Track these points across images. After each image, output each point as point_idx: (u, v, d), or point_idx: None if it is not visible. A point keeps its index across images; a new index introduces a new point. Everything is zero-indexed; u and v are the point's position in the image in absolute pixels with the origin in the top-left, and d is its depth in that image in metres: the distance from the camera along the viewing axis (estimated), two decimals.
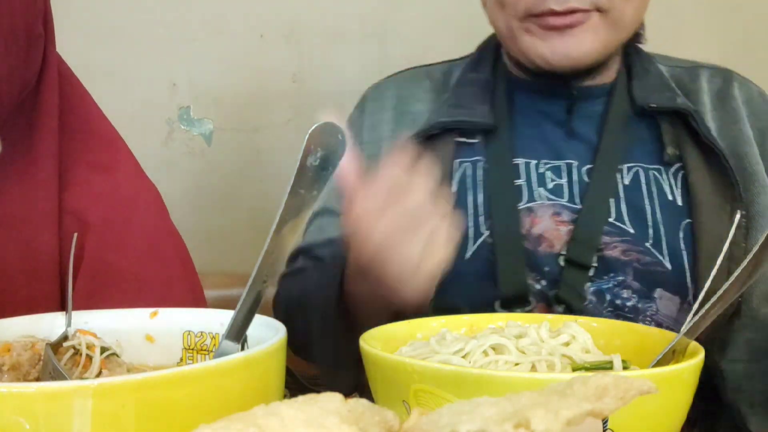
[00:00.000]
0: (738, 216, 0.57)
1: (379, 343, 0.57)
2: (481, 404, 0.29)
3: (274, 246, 0.45)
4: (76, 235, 0.65)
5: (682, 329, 0.52)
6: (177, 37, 1.45)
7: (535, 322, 0.61)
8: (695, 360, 0.48)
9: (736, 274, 0.48)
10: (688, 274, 0.80)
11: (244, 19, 1.46)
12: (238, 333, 0.49)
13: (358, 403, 0.31)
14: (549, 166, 0.86)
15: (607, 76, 0.90)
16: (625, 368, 0.52)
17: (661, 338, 0.56)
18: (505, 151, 0.87)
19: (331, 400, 0.30)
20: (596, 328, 0.60)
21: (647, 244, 0.81)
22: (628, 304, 0.80)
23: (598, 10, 0.80)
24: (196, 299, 0.81)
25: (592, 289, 0.81)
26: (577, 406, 0.26)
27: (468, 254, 0.84)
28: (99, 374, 0.52)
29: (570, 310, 0.79)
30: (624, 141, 0.86)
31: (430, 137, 0.88)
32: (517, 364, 0.52)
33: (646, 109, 0.85)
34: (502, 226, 0.84)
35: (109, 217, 0.76)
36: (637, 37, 0.91)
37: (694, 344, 0.52)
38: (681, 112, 0.84)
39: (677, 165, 0.84)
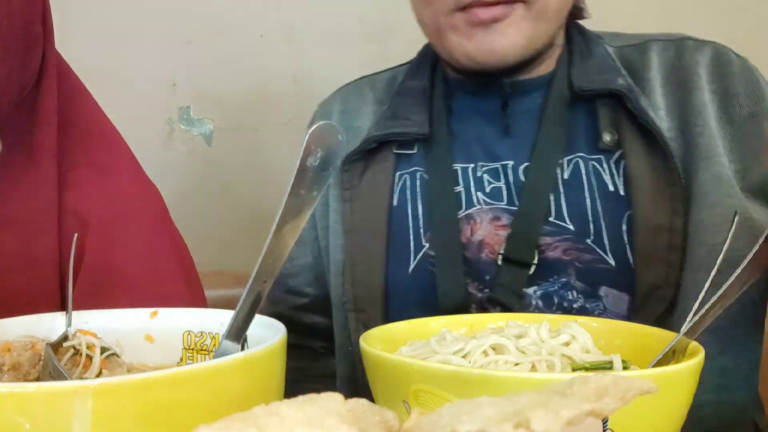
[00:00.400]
0: (737, 217, 0.55)
1: (379, 343, 0.57)
2: (481, 404, 0.29)
3: (274, 246, 0.45)
4: (76, 235, 0.65)
5: (681, 329, 0.52)
6: (177, 37, 1.45)
7: (535, 322, 0.61)
8: (695, 360, 0.48)
9: (736, 273, 0.48)
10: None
11: (244, 19, 1.46)
12: (238, 333, 0.49)
13: (358, 403, 0.31)
14: (486, 168, 0.84)
15: (548, 66, 0.86)
16: (625, 368, 0.52)
17: (661, 338, 0.56)
18: (442, 159, 0.86)
19: (331, 400, 0.30)
20: (596, 328, 0.60)
21: (588, 241, 0.78)
22: (575, 305, 0.78)
23: (522, 1, 0.77)
24: (196, 299, 0.81)
25: (539, 293, 0.78)
26: (577, 406, 0.26)
27: (410, 268, 0.83)
28: (99, 374, 0.52)
29: (506, 310, 0.77)
30: (563, 133, 0.82)
31: (370, 153, 0.88)
32: (517, 364, 0.52)
33: (582, 93, 0.82)
34: (441, 236, 0.82)
35: (109, 217, 0.76)
36: (579, 12, 0.88)
37: (694, 344, 0.52)
38: (619, 95, 0.79)
39: (619, 152, 0.80)
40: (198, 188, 1.48)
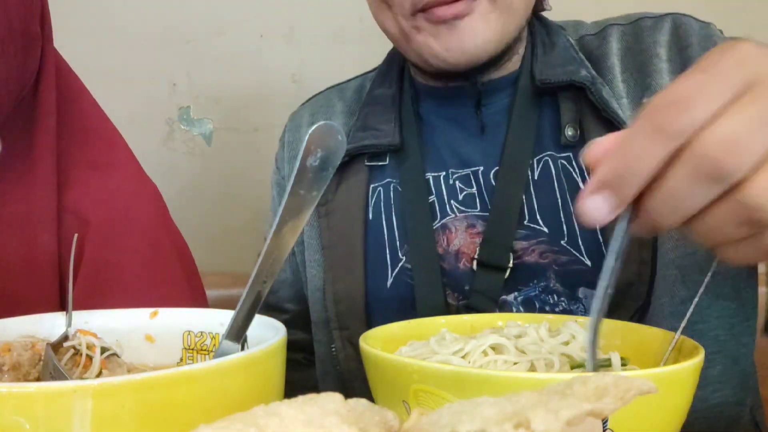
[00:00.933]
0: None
1: (379, 343, 0.57)
2: (481, 404, 0.29)
3: (274, 246, 0.45)
4: (76, 236, 0.65)
5: (680, 328, 0.52)
6: (177, 37, 1.45)
7: (534, 321, 0.61)
8: (695, 360, 0.48)
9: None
10: None
11: (244, 19, 1.46)
12: (238, 333, 0.49)
13: (358, 403, 0.31)
14: (457, 175, 0.83)
15: (515, 63, 0.84)
16: (624, 365, 0.52)
17: (660, 338, 0.56)
18: (414, 169, 0.84)
19: (331, 400, 0.30)
20: None
21: (563, 242, 0.76)
22: (557, 309, 0.76)
23: None
24: (196, 297, 0.81)
25: (520, 298, 0.77)
26: (577, 406, 0.26)
27: (389, 283, 0.82)
28: (99, 374, 0.52)
29: None
30: (531, 133, 0.80)
31: (342, 165, 0.85)
32: (515, 364, 0.52)
33: (544, 87, 0.79)
34: (417, 249, 0.80)
35: (109, 216, 0.76)
36: (540, 3, 0.86)
37: (694, 344, 0.52)
38: (582, 87, 0.77)
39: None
40: (198, 188, 1.48)
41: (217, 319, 0.57)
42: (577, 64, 0.79)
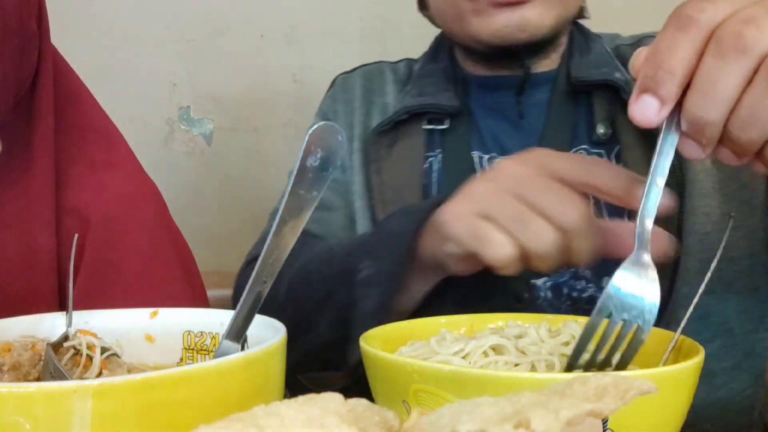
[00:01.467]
0: (731, 222, 0.56)
1: (379, 343, 0.57)
2: (481, 404, 0.29)
3: (274, 246, 0.45)
4: (76, 236, 0.65)
5: (678, 330, 0.52)
6: (177, 37, 1.45)
7: (535, 321, 0.61)
8: (695, 360, 0.48)
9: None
10: None
11: (244, 19, 1.46)
12: (238, 333, 0.49)
13: (358, 403, 0.31)
14: (497, 161, 0.85)
15: (553, 60, 0.88)
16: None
17: (660, 337, 0.56)
18: (463, 143, 0.87)
19: (331, 400, 0.30)
20: None
21: None
22: (584, 295, 0.79)
23: None
24: (196, 297, 0.81)
25: (548, 284, 0.80)
26: (577, 406, 0.26)
27: None
28: (99, 374, 0.52)
29: (515, 299, 0.78)
30: (567, 128, 0.84)
31: (399, 126, 0.88)
32: (516, 365, 0.52)
33: (579, 85, 0.83)
34: None
35: (109, 215, 0.76)
36: (580, 12, 0.90)
37: (694, 344, 0.52)
38: (616, 87, 0.81)
39: (617, 147, 0.81)
40: (198, 188, 1.48)
41: (217, 319, 0.57)
42: (612, 67, 0.83)
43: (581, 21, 0.92)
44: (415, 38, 1.48)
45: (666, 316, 0.76)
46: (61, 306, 0.72)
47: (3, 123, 0.69)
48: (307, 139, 0.43)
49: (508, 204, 0.58)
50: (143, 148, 0.89)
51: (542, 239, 0.57)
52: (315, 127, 0.43)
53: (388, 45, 1.48)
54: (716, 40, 0.43)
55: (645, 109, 0.46)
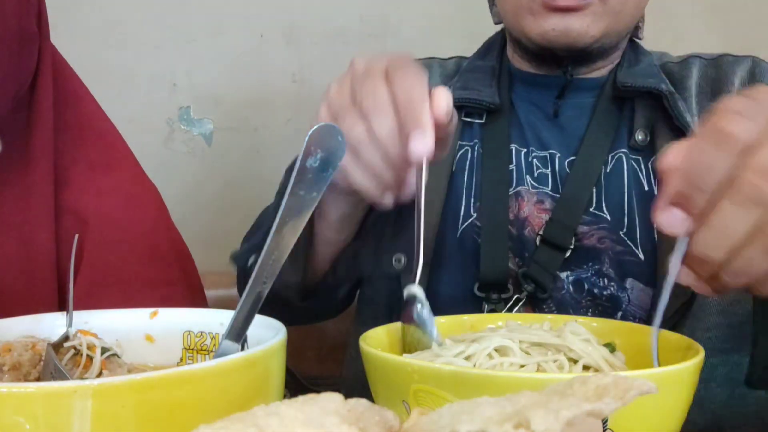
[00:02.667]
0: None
1: (379, 343, 0.57)
2: (481, 404, 0.29)
3: (274, 246, 0.45)
4: (77, 236, 0.65)
5: (655, 324, 0.53)
6: (177, 37, 1.45)
7: (536, 321, 0.61)
8: (695, 360, 0.48)
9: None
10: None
11: (244, 19, 1.46)
12: (238, 333, 0.49)
13: (358, 403, 0.31)
14: (536, 155, 0.89)
15: (605, 70, 0.91)
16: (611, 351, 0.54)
17: (661, 338, 0.56)
18: (502, 136, 0.90)
19: (331, 400, 0.30)
20: (596, 327, 0.60)
21: (621, 233, 0.82)
22: (605, 293, 0.81)
23: None
24: (195, 297, 0.80)
25: (571, 278, 0.82)
26: (577, 406, 0.26)
27: (457, 234, 0.87)
28: (100, 375, 0.52)
29: (540, 289, 0.80)
30: (610, 131, 0.87)
31: None
32: (522, 366, 0.52)
33: (624, 90, 0.86)
34: (490, 209, 0.86)
35: (108, 216, 0.76)
36: (635, 31, 0.93)
37: (694, 344, 0.52)
38: (659, 96, 0.84)
39: (655, 156, 0.84)
40: (198, 188, 1.48)
41: (217, 319, 0.57)
42: (658, 78, 0.87)
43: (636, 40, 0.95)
44: (416, 38, 1.48)
45: (689, 322, 0.77)
46: (60, 306, 0.72)
47: (2, 123, 0.69)
48: (307, 140, 0.43)
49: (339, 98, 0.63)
50: (143, 148, 0.89)
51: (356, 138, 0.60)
52: (315, 128, 0.43)
53: (388, 45, 1.48)
54: (737, 187, 0.44)
55: (674, 222, 0.48)
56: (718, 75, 0.88)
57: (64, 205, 0.75)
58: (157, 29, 1.44)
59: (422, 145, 0.57)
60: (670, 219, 0.48)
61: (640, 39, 0.95)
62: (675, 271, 0.49)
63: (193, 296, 0.80)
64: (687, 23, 1.50)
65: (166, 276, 0.78)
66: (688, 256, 0.48)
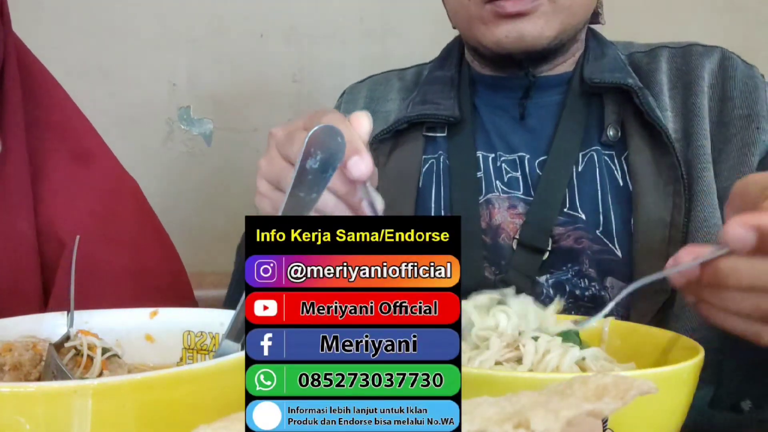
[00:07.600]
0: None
1: None
2: (481, 404, 0.29)
3: None
4: (78, 237, 0.65)
5: (602, 314, 0.54)
6: (177, 37, 1.45)
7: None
8: (695, 360, 0.48)
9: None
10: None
11: (244, 19, 1.46)
12: (238, 333, 0.49)
13: None
14: (504, 159, 0.88)
15: (569, 64, 0.90)
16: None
17: (660, 338, 0.56)
18: (467, 145, 0.89)
19: None
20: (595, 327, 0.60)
21: (598, 232, 0.81)
22: (587, 293, 0.80)
23: None
24: (179, 291, 0.80)
25: (551, 281, 0.81)
26: (577, 406, 0.26)
27: None
28: (100, 375, 0.52)
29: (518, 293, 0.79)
30: (580, 129, 0.86)
31: (399, 134, 0.90)
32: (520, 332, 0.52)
33: (592, 87, 0.85)
34: (461, 219, 0.84)
35: (89, 210, 0.75)
36: (594, 17, 0.92)
37: (694, 343, 0.52)
38: (628, 92, 0.83)
39: (627, 152, 0.83)
40: (198, 188, 1.48)
41: (217, 319, 0.57)
42: (625, 72, 0.86)
43: (597, 26, 0.94)
44: (415, 38, 1.48)
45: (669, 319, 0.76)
46: (44, 295, 0.71)
47: None
48: (306, 141, 0.43)
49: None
50: (143, 148, 0.89)
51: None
52: (315, 129, 0.43)
53: (388, 45, 1.48)
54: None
55: (744, 236, 0.49)
56: (687, 68, 0.86)
57: (41, 197, 0.74)
58: (157, 29, 1.44)
59: (363, 166, 0.55)
60: (739, 232, 0.49)
61: (602, 24, 0.93)
62: (690, 265, 0.50)
63: (178, 291, 0.79)
64: (687, 23, 1.50)
65: (151, 268, 0.77)
66: (713, 271, 0.50)
